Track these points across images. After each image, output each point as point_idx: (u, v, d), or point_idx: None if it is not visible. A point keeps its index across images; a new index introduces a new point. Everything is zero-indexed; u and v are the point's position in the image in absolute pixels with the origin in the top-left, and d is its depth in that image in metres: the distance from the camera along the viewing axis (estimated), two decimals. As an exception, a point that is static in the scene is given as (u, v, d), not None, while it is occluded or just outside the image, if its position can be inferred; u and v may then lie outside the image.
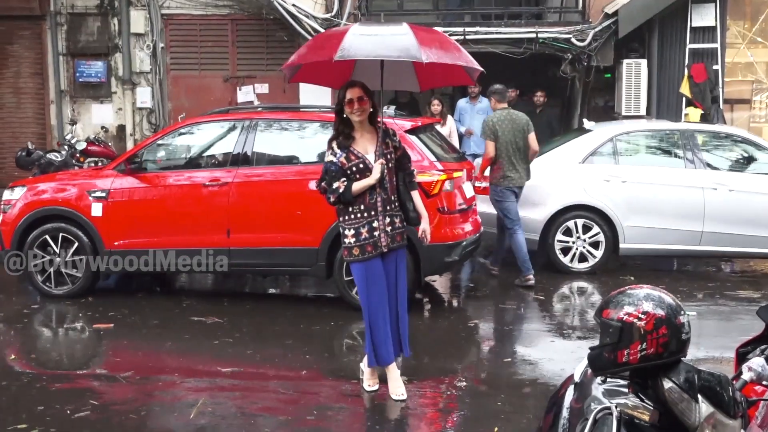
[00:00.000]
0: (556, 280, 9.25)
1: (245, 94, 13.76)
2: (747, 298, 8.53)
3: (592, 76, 13.39)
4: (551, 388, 5.18)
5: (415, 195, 5.68)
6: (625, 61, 12.93)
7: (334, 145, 5.51)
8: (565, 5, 14.27)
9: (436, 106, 11.42)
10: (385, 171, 5.45)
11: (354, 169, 5.43)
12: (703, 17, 12.82)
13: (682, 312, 2.53)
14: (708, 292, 8.76)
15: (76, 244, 8.20)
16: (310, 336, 7.18)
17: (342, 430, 5.17)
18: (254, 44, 13.87)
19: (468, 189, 8.39)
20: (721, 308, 8.24)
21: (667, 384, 2.44)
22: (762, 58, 16.72)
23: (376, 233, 5.44)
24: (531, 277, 8.90)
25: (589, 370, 2.80)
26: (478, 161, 9.85)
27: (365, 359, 5.78)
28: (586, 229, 9.40)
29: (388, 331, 5.54)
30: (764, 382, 2.72)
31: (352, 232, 5.47)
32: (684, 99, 12.89)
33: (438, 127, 9.55)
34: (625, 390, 2.67)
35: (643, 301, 2.54)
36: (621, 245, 9.40)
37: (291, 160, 8.29)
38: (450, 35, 11.49)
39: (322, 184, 5.52)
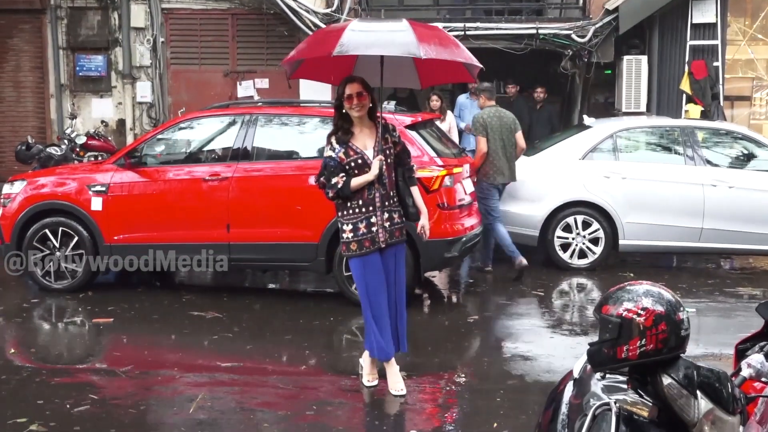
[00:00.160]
0: (555, 276, 9.26)
1: (245, 88, 13.74)
2: (746, 295, 8.54)
3: (593, 72, 13.37)
4: (550, 384, 5.18)
5: (415, 191, 5.69)
6: (626, 58, 12.92)
7: (333, 140, 5.51)
8: (565, 1, 14.26)
9: (435, 102, 11.41)
10: (384, 167, 5.45)
11: (353, 164, 5.43)
12: (704, 14, 12.80)
13: (682, 308, 2.53)
14: (707, 289, 8.77)
15: (75, 239, 8.20)
16: (309, 331, 7.18)
17: (341, 425, 5.17)
18: (254, 39, 13.85)
19: (468, 185, 8.39)
20: (720, 305, 8.24)
21: (666, 380, 2.44)
22: (762, 55, 16.71)
23: (374, 228, 5.45)
24: (522, 258, 8.98)
25: (589, 366, 2.80)
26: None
27: (365, 354, 5.79)
28: (586, 225, 9.41)
29: (387, 325, 5.55)
30: (763, 379, 2.72)
31: (350, 227, 5.47)
32: (684, 96, 12.87)
33: (438, 122, 9.55)
34: (624, 386, 2.67)
35: (643, 297, 2.54)
36: (620, 242, 9.41)
37: (291, 155, 8.29)
38: (450, 31, 11.53)
39: (321, 179, 5.52)
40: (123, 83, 13.88)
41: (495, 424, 5.14)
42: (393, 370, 5.65)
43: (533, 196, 9.47)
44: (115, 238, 8.14)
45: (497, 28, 13.03)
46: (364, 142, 5.51)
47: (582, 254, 9.45)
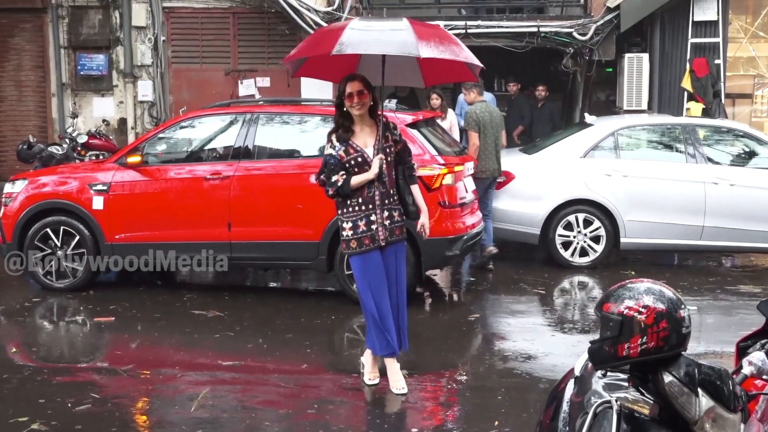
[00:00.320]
0: (556, 274, 9.26)
1: (247, 87, 13.74)
2: (747, 293, 8.53)
3: (594, 70, 13.36)
4: (552, 382, 5.18)
5: (415, 189, 5.69)
6: (627, 56, 12.91)
7: (334, 138, 5.51)
8: (566, -1, 14.25)
9: (435, 100, 11.41)
10: (384, 165, 5.45)
11: (352, 162, 5.44)
12: (705, 11, 12.79)
13: (683, 306, 2.53)
14: (709, 287, 8.77)
15: (77, 238, 8.20)
16: (310, 330, 7.18)
17: (342, 424, 5.17)
18: (256, 38, 13.84)
19: (469, 183, 8.40)
20: (721, 303, 8.24)
21: (668, 378, 2.44)
22: (764, 52, 16.70)
23: (373, 226, 5.45)
24: (493, 247, 9.35)
25: (590, 364, 2.80)
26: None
27: (366, 353, 5.79)
28: (587, 223, 9.40)
29: (391, 322, 5.54)
30: (764, 377, 2.72)
31: (350, 224, 5.48)
32: (685, 93, 12.87)
33: (439, 121, 9.57)
34: (626, 384, 2.67)
35: (644, 294, 2.53)
36: (622, 240, 9.40)
37: (292, 153, 8.29)
38: (451, 29, 11.53)
39: (321, 176, 5.53)
40: (124, 82, 13.88)
41: (496, 423, 5.14)
42: (394, 368, 5.65)
43: (534, 195, 9.47)
44: (117, 237, 8.14)
45: (498, 26, 13.02)
46: (365, 140, 5.51)
47: (583, 252, 9.44)
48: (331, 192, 5.47)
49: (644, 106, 12.86)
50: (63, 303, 8.10)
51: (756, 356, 2.74)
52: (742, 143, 10.00)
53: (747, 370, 2.70)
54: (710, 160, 9.54)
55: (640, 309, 2.49)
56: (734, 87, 15.71)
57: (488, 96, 12.09)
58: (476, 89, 9.48)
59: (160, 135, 8.58)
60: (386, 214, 5.49)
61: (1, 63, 14.11)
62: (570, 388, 3.01)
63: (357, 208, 5.47)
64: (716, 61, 12.82)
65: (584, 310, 8.03)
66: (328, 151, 5.50)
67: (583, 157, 9.53)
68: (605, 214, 9.37)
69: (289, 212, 7.89)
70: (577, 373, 3.02)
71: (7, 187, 8.56)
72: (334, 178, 5.42)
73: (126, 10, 13.62)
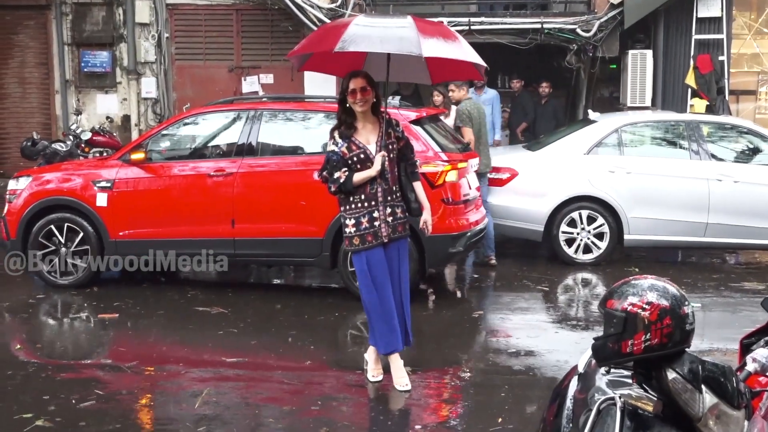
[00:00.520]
0: (560, 271, 9.25)
1: (250, 84, 13.75)
2: (751, 290, 8.52)
3: (598, 66, 13.36)
4: (555, 378, 5.18)
5: (418, 186, 5.69)
6: (631, 52, 12.90)
7: (336, 134, 5.52)
8: (570, -4, 14.23)
9: (436, 97, 11.40)
10: (387, 162, 5.45)
11: (355, 159, 5.44)
12: (709, 8, 12.77)
13: (687, 303, 2.53)
14: (712, 284, 8.76)
15: (81, 235, 8.21)
16: (314, 326, 7.19)
17: (346, 421, 5.18)
18: (259, 34, 13.85)
19: (473, 179, 8.39)
20: (725, 299, 8.23)
21: (671, 374, 2.44)
22: (768, 49, 16.68)
23: (376, 223, 5.45)
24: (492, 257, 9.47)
25: (593, 361, 2.80)
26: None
27: (369, 350, 5.79)
28: (591, 220, 9.39)
29: (394, 318, 5.55)
30: (768, 373, 2.72)
31: (353, 221, 5.48)
32: (689, 90, 12.86)
33: (442, 117, 9.57)
34: (629, 380, 2.68)
35: (648, 291, 2.53)
36: (625, 236, 9.39)
37: (296, 150, 8.29)
38: (455, 25, 11.54)
39: (324, 173, 5.53)
40: (128, 79, 13.90)
41: (500, 419, 5.14)
42: (397, 365, 5.66)
43: (538, 191, 9.46)
44: (120, 233, 8.14)
45: (502, 23, 13.01)
46: (367, 137, 5.51)
47: (587, 249, 9.43)
48: (333, 189, 5.47)
49: (648, 103, 12.84)
50: (67, 300, 8.11)
51: (760, 353, 2.74)
52: (746, 140, 9.98)
53: (751, 366, 2.70)
54: (714, 156, 9.52)
55: (644, 306, 2.49)
56: (738, 84, 15.68)
57: (492, 93, 12.12)
58: (465, 87, 9.61)
59: (164, 132, 8.58)
60: (389, 210, 5.49)
61: (4, 60, 14.14)
62: (573, 385, 3.01)
63: (360, 204, 5.47)
64: (720, 58, 12.80)
65: (588, 307, 8.02)
66: (331, 147, 5.50)
67: (587, 154, 9.52)
68: (609, 211, 9.35)
69: (293, 209, 7.89)
70: (580, 369, 3.02)
71: (11, 184, 8.56)
72: (336, 175, 5.42)
73: (129, 6, 13.64)
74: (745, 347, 3.09)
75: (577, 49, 12.98)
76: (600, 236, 9.40)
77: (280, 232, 7.91)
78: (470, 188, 8.19)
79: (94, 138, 12.64)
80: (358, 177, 5.41)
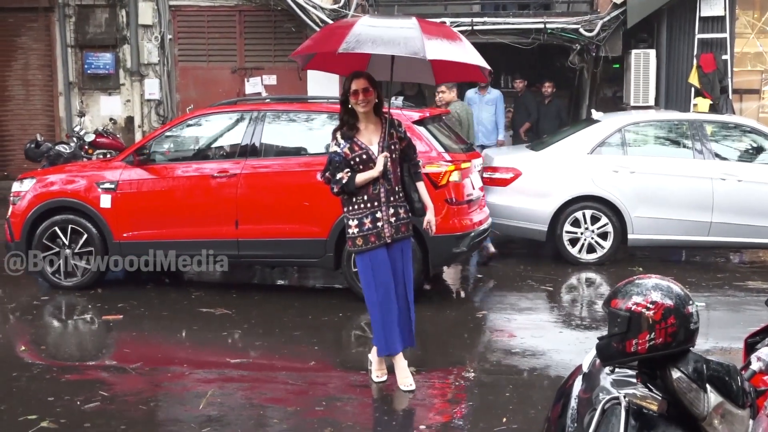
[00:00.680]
0: (564, 271, 9.25)
1: (253, 85, 13.78)
2: (756, 289, 8.51)
3: (601, 66, 13.36)
4: (559, 378, 5.18)
5: (421, 186, 5.69)
6: (634, 52, 12.89)
7: (338, 135, 5.52)
8: (573, -5, 14.23)
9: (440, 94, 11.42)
10: (389, 162, 5.45)
11: (357, 159, 5.44)
12: (712, 7, 12.76)
13: (691, 302, 2.53)
14: (717, 283, 8.74)
15: (85, 236, 8.21)
16: (318, 327, 7.19)
17: (350, 421, 5.18)
18: (262, 35, 13.87)
19: (476, 179, 8.39)
20: (729, 299, 8.22)
21: (676, 374, 2.44)
22: (771, 48, 16.63)
23: (379, 224, 5.45)
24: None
25: (598, 361, 2.80)
26: (486, 152, 9.93)
27: (373, 350, 5.79)
28: (595, 220, 9.39)
29: (394, 320, 5.55)
30: (773, 372, 2.72)
31: (356, 222, 5.48)
32: (693, 89, 12.85)
33: (445, 118, 9.57)
34: (634, 380, 2.67)
35: (652, 290, 2.53)
36: (629, 236, 9.38)
37: (299, 151, 8.29)
38: (457, 26, 11.54)
39: (326, 174, 5.53)
40: (131, 81, 13.92)
41: (504, 419, 5.14)
42: (401, 365, 5.66)
43: (541, 191, 9.46)
44: (124, 235, 8.15)
45: (505, 23, 13.01)
46: (370, 137, 5.51)
47: (591, 249, 9.43)
48: (336, 189, 5.47)
49: (651, 102, 12.84)
50: (71, 301, 8.12)
51: (764, 352, 2.74)
52: (750, 139, 9.97)
53: (755, 365, 2.69)
54: (718, 155, 9.50)
55: (648, 305, 2.49)
56: (741, 83, 15.64)
57: (495, 93, 12.11)
58: (456, 89, 9.81)
59: (168, 133, 8.59)
60: (392, 211, 5.49)
61: (8, 62, 14.17)
62: (578, 385, 3.01)
63: (362, 205, 5.47)
64: (723, 57, 12.79)
65: (592, 307, 8.02)
66: (333, 148, 5.50)
67: (590, 154, 9.51)
68: (613, 210, 9.35)
69: (296, 210, 7.90)
70: (585, 369, 3.02)
71: (16, 186, 8.58)
72: (338, 176, 5.42)
73: (132, 8, 13.67)
74: (750, 346, 3.09)
75: (580, 48, 12.99)
76: (604, 236, 9.39)
77: (283, 233, 7.91)
78: (474, 188, 8.19)
79: (97, 140, 12.66)
80: (361, 178, 5.41)
